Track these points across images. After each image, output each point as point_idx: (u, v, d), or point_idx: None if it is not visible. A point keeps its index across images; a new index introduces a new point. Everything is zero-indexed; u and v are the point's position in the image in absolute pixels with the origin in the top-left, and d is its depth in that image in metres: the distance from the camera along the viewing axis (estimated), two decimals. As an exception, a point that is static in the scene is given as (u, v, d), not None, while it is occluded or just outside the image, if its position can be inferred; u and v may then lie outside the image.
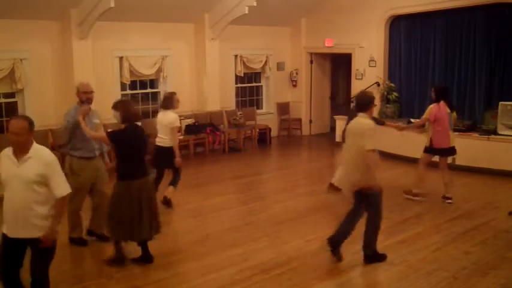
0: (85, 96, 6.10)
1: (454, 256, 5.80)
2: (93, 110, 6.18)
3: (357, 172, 5.39)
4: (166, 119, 7.31)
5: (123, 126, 5.48)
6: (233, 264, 5.60)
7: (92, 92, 6.19)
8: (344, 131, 5.85)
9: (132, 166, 5.41)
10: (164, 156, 7.33)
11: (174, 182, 7.55)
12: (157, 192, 7.22)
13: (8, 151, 4.07)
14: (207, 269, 5.50)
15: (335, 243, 5.66)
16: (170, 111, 7.36)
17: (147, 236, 5.50)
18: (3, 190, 4.04)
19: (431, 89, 8.05)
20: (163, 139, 7.35)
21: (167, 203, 7.53)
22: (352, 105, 6.57)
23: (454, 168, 9.72)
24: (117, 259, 5.56)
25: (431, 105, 7.71)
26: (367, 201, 5.53)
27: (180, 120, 11.19)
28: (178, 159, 7.29)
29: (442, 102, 7.65)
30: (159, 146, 7.40)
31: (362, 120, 5.48)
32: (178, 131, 7.60)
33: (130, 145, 5.43)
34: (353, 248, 6.05)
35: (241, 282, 5.19)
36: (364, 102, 5.55)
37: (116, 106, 5.54)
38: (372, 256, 5.60)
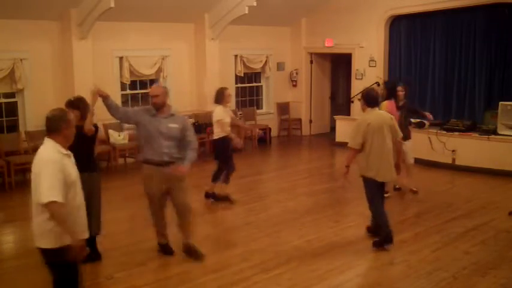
0: (151, 101, 5.50)
1: (454, 256, 5.79)
2: (175, 113, 5.55)
3: (393, 160, 6.04)
4: (214, 113, 7.59)
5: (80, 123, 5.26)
6: (233, 264, 5.60)
7: (156, 95, 5.40)
8: (368, 126, 5.86)
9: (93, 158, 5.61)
10: (214, 148, 7.80)
11: (215, 177, 7.80)
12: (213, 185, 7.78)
13: (62, 149, 3.68)
14: (207, 268, 5.50)
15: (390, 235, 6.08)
16: (219, 106, 7.50)
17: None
18: (68, 194, 3.63)
19: (384, 87, 8.37)
20: (215, 133, 7.64)
21: (210, 196, 7.89)
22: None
23: (454, 168, 9.75)
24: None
25: (385, 102, 7.74)
26: (383, 188, 6.30)
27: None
28: (237, 141, 7.69)
29: (392, 100, 7.82)
30: (213, 139, 7.82)
31: (386, 113, 6.24)
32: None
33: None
34: (353, 248, 6.07)
35: (241, 282, 5.19)
36: (376, 98, 6.15)
37: (74, 104, 5.35)
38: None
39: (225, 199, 7.82)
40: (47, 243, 3.65)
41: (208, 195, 7.89)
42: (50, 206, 3.49)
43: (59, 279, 3.78)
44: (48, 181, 3.51)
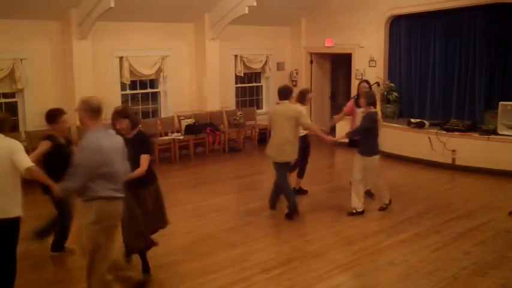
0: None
1: (454, 256, 5.80)
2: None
3: (291, 144, 6.92)
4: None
5: (134, 132, 5.04)
6: (233, 264, 5.61)
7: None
8: (272, 114, 7.22)
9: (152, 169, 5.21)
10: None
11: (299, 173, 8.12)
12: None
13: None
14: (207, 269, 5.51)
15: (274, 204, 7.42)
16: (302, 106, 7.63)
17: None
18: None
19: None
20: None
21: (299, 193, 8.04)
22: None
23: (454, 168, 9.75)
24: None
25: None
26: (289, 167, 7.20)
27: (181, 120, 11.30)
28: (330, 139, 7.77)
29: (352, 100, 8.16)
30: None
31: (293, 106, 7.12)
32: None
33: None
34: (352, 248, 6.07)
35: (241, 282, 5.19)
36: (287, 93, 7.12)
37: (123, 113, 4.99)
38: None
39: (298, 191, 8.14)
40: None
41: (297, 192, 8.03)
42: None
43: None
44: None
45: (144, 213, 5.03)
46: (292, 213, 7.07)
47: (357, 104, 7.72)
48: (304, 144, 7.75)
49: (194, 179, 9.50)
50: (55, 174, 4.64)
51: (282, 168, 7.12)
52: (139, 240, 5.11)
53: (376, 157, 7.12)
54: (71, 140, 5.99)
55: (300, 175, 8.15)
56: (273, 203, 7.49)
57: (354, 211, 7.18)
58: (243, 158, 11.24)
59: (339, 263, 5.66)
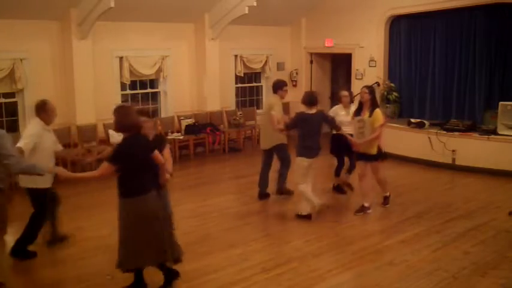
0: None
1: (454, 256, 5.80)
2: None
3: (270, 131, 7.58)
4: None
5: (127, 134, 4.67)
6: (233, 264, 5.61)
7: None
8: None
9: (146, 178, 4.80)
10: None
11: (349, 169, 8.29)
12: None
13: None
14: (207, 269, 5.51)
15: (264, 194, 8.00)
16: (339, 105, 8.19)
17: (171, 257, 4.90)
18: None
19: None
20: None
21: (343, 187, 8.36)
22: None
23: (454, 168, 9.75)
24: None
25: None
26: (277, 153, 7.85)
27: (181, 120, 11.31)
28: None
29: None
30: (333, 133, 8.04)
31: (273, 98, 7.75)
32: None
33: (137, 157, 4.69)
34: (352, 248, 6.07)
35: (241, 282, 5.19)
36: (276, 87, 7.71)
37: (115, 111, 4.72)
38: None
39: (346, 186, 8.35)
40: None
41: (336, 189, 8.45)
42: None
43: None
44: None
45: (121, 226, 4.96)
46: (283, 191, 8.07)
47: (357, 112, 7.37)
48: (336, 142, 8.00)
49: (194, 179, 9.50)
50: None
51: (281, 150, 7.96)
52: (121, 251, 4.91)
53: (301, 159, 7.01)
54: (160, 139, 5.49)
55: (336, 174, 8.42)
56: (281, 188, 8.12)
57: (301, 213, 7.08)
58: (243, 158, 11.24)
59: (339, 263, 5.66)
